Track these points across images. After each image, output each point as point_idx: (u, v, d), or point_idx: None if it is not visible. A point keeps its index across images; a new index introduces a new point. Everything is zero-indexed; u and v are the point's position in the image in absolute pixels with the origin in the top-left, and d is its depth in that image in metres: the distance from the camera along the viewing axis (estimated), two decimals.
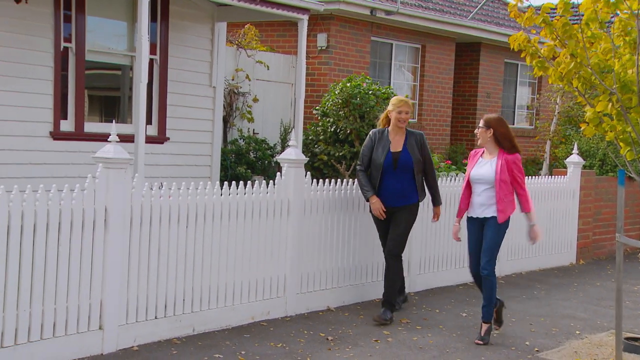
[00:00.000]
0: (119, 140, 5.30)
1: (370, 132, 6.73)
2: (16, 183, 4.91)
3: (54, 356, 4.91)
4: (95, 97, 9.25)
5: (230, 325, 6.05)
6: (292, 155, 6.63)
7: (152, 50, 9.03)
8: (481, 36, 15.22)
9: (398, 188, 6.55)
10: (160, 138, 9.42)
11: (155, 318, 5.56)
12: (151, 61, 9.04)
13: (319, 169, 10.76)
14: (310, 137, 11.02)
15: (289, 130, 11.50)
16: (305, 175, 6.75)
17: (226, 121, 11.16)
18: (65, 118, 8.56)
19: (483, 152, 6.28)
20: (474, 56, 15.83)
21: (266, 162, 11.13)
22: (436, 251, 8.11)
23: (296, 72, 10.18)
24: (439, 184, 7.75)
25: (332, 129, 10.79)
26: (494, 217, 6.12)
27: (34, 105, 8.21)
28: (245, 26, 11.80)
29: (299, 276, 6.68)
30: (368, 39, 13.33)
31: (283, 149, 11.08)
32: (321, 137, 10.92)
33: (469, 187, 6.26)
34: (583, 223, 10.47)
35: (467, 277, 8.38)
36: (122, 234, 5.30)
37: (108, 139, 5.29)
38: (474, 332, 6.39)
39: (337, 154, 10.63)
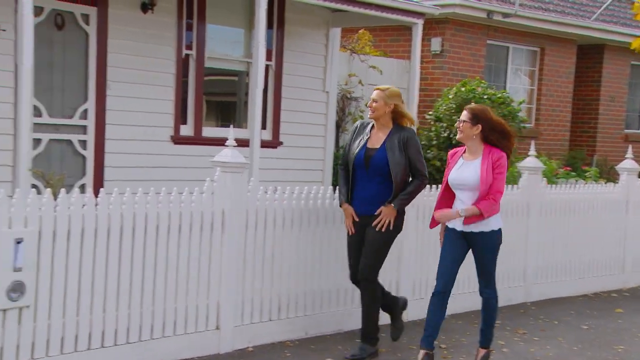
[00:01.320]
0: (236, 144, 5.42)
1: (357, 122, 5.78)
2: (140, 186, 5.10)
3: (174, 353, 5.06)
4: (213, 102, 9.52)
5: (342, 329, 6.05)
6: None
7: (268, 57, 9.20)
8: (605, 37, 14.58)
9: (367, 193, 5.33)
10: (274, 142, 9.58)
11: (270, 320, 5.63)
12: (267, 67, 9.22)
13: (430, 174, 10.60)
14: (422, 143, 10.89)
15: None
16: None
17: (338, 126, 11.22)
18: (185, 123, 8.87)
19: (464, 151, 5.19)
20: (597, 59, 15.17)
21: None
22: (554, 259, 7.81)
23: (409, 77, 10.10)
24: (555, 189, 7.41)
25: (446, 134, 10.62)
26: (482, 233, 5.06)
27: (156, 110, 8.55)
28: (360, 31, 11.83)
29: (411, 284, 6.60)
30: (483, 43, 13.05)
31: None
32: (434, 142, 10.77)
33: (445, 192, 5.20)
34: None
35: (588, 287, 8.08)
36: (239, 237, 5.41)
37: (225, 143, 5.41)
38: (596, 346, 6.09)
39: None
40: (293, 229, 5.73)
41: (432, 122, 11.04)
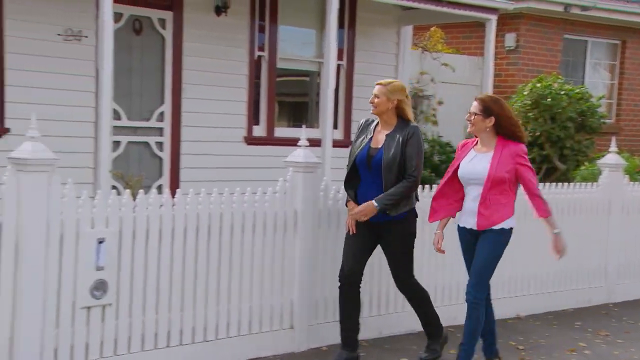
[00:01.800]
0: (308, 144, 5.44)
1: (362, 120, 5.31)
2: (214, 186, 5.19)
3: (250, 351, 5.13)
4: (285, 102, 9.61)
5: (416, 329, 6.00)
6: None
7: (339, 56, 9.22)
8: None
9: (371, 196, 4.93)
10: (345, 142, 9.57)
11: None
12: (338, 67, 9.23)
13: None
14: None
15: None
16: None
17: None
18: (257, 124, 8.98)
19: (476, 142, 4.87)
20: None
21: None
22: (637, 258, 7.53)
23: (482, 74, 9.93)
24: (638, 186, 7.13)
25: None
26: (490, 230, 4.71)
27: (230, 112, 8.69)
28: (431, 29, 11.72)
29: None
30: (559, 37, 12.71)
31: None
32: None
33: (449, 184, 4.86)
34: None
35: None
36: (312, 236, 5.43)
37: (297, 144, 5.44)
38: None
39: None
40: None
41: None
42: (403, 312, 5.93)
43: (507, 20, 11.99)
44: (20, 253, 4.14)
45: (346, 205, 5.17)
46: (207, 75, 8.46)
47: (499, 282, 6.52)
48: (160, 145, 8.34)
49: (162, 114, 8.33)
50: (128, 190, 4.74)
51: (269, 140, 8.97)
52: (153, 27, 8.24)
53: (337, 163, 8.90)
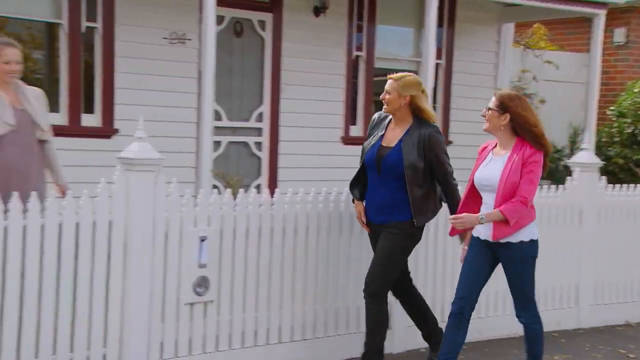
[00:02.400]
0: None
1: (375, 114, 4.85)
2: (312, 186, 5.23)
3: (346, 351, 5.12)
4: (381, 102, 9.56)
5: (518, 333, 5.84)
6: (585, 158, 6.25)
7: (438, 55, 9.11)
8: None
9: (377, 197, 4.56)
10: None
11: (442, 322, 5.54)
12: (436, 66, 9.12)
13: (613, 173, 10.00)
14: (602, 140, 10.29)
15: (579, 133, 10.86)
16: (600, 180, 6.31)
17: None
18: (354, 124, 8.99)
19: (495, 144, 4.39)
20: None
21: (553, 165, 10.61)
22: None
23: (589, 71, 9.57)
24: None
25: (630, 131, 9.96)
26: (509, 244, 4.22)
27: (327, 112, 8.73)
28: (534, 25, 11.39)
29: (594, 287, 6.26)
30: None
31: (572, 152, 10.49)
32: (616, 139, 10.15)
33: (470, 193, 4.39)
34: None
35: None
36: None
37: None
38: None
39: (635, 157, 9.79)
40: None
41: (613, 118, 10.39)
42: (505, 315, 5.79)
43: (616, 15, 11.46)
44: (128, 250, 4.30)
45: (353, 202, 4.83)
46: (305, 75, 8.54)
47: (606, 288, 6.29)
48: (259, 145, 8.48)
49: (260, 114, 8.47)
50: (229, 190, 4.84)
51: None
52: (253, 29, 8.39)
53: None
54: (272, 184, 8.22)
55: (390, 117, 4.62)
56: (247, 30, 8.37)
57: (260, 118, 8.48)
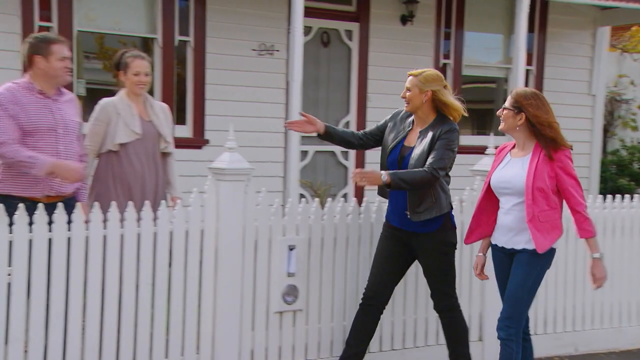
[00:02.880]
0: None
1: (396, 111, 4.56)
2: None
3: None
4: (470, 110, 9.33)
5: (617, 348, 5.62)
6: None
7: (528, 61, 8.90)
8: None
9: (401, 201, 4.31)
10: None
11: (535, 334, 5.39)
12: (526, 72, 8.91)
13: None
14: None
15: None
16: None
17: (606, 130, 10.49)
18: None
19: (513, 146, 4.14)
20: None
21: None
22: None
23: None
24: None
25: None
26: (524, 250, 3.95)
27: None
28: (632, 28, 10.98)
29: None
30: None
31: None
32: None
33: (487, 197, 4.13)
34: None
35: None
36: None
37: (485, 152, 5.30)
38: None
39: None
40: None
41: None
42: (601, 329, 5.58)
43: None
44: (219, 258, 4.38)
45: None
46: (391, 84, 8.49)
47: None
48: (345, 154, 8.49)
49: (347, 123, 8.49)
50: (317, 199, 4.86)
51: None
52: (340, 39, 8.43)
53: None
54: (359, 193, 8.21)
55: (412, 116, 4.40)
56: (334, 40, 8.42)
57: (347, 127, 8.50)
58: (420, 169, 4.16)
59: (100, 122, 4.78)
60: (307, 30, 7.99)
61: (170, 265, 4.26)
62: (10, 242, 3.81)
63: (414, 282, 4.94)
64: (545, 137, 3.94)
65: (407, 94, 4.33)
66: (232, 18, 7.77)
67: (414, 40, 8.59)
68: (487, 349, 5.16)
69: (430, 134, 4.24)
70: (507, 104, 4.05)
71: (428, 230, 4.28)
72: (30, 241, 3.87)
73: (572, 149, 4.02)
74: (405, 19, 8.50)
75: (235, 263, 4.40)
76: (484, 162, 5.28)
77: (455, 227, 4.44)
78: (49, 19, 7.04)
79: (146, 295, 4.17)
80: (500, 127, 4.09)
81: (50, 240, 3.91)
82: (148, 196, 4.66)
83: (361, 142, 4.61)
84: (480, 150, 5.49)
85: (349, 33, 8.44)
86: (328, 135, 4.55)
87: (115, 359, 4.12)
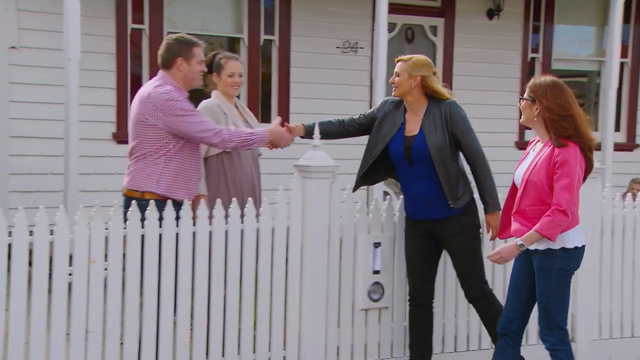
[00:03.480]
0: None
1: (386, 98, 4.52)
2: None
3: None
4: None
5: None
6: None
7: (623, 53, 8.57)
8: None
9: (419, 193, 4.27)
10: (629, 145, 8.89)
11: (632, 336, 5.21)
12: (621, 65, 8.59)
13: None
14: None
15: None
16: None
17: None
18: (530, 128, 8.65)
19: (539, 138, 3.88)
20: None
21: None
22: None
23: None
24: None
25: None
26: (536, 251, 3.68)
27: (501, 116, 8.49)
28: None
29: None
30: None
31: None
32: None
33: (514, 192, 3.88)
34: None
35: None
36: (592, 245, 5.08)
37: None
38: None
39: None
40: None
41: None
42: (636, 337, 5.30)
43: None
44: (305, 255, 4.41)
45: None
46: (477, 80, 8.37)
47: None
48: None
49: None
50: (401, 196, 4.82)
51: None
52: (425, 35, 8.35)
53: (618, 168, 8.27)
54: None
55: (404, 104, 4.34)
56: (419, 36, 8.34)
57: None
58: (481, 174, 4.24)
59: None
60: (392, 26, 7.95)
61: (256, 262, 4.32)
62: (142, 236, 3.95)
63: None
64: (557, 129, 3.68)
65: (396, 79, 4.31)
66: (317, 16, 7.82)
67: (501, 35, 8.42)
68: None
69: (437, 118, 4.18)
70: (525, 94, 3.85)
71: (453, 213, 4.23)
72: (160, 235, 3.99)
73: (593, 145, 3.76)
74: (492, 13, 8.35)
75: (321, 260, 4.42)
76: None
77: (477, 210, 4.35)
78: (141, 22, 7.27)
79: (233, 290, 4.24)
80: (521, 120, 3.93)
81: (160, 235, 4.01)
82: (257, 197, 4.69)
83: (341, 130, 4.60)
84: None
85: (434, 29, 8.35)
86: (308, 135, 4.50)
87: (205, 354, 4.21)
